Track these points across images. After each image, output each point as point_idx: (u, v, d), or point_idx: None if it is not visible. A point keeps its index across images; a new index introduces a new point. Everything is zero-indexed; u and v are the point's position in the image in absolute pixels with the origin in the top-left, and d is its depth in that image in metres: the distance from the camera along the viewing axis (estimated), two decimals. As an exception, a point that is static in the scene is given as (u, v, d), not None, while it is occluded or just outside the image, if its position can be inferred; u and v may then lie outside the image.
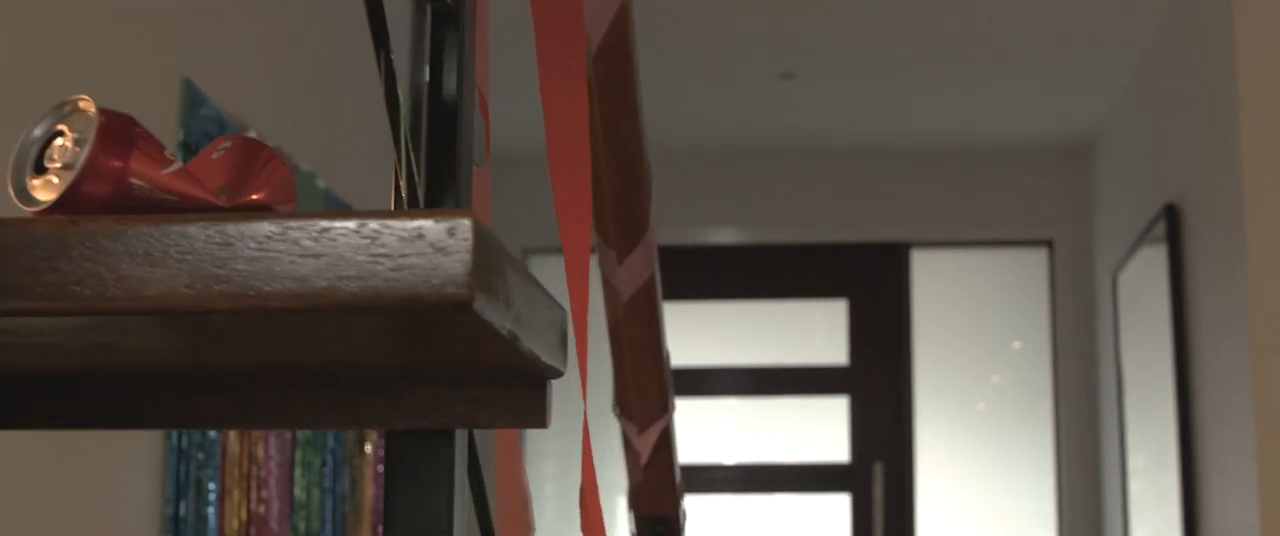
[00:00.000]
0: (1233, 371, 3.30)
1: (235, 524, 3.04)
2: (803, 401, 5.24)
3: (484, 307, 0.67)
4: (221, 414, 0.87)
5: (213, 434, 2.96)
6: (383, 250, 0.66)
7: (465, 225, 0.66)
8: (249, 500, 3.11)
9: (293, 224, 0.67)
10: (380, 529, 3.76)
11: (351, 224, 0.67)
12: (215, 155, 0.76)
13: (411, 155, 0.88)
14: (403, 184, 0.89)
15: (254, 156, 0.76)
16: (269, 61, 3.36)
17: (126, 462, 2.71)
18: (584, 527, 1.26)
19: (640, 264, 1.64)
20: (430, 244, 0.66)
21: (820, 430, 5.22)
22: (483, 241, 0.67)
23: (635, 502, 1.85)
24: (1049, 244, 5.19)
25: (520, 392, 0.87)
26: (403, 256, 0.66)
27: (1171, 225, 3.82)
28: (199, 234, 0.67)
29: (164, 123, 2.81)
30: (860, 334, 5.25)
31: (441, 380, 0.87)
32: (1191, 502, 3.67)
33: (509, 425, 0.87)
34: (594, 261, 1.73)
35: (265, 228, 0.67)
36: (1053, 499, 5.08)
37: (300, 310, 0.67)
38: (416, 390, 0.87)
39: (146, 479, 2.77)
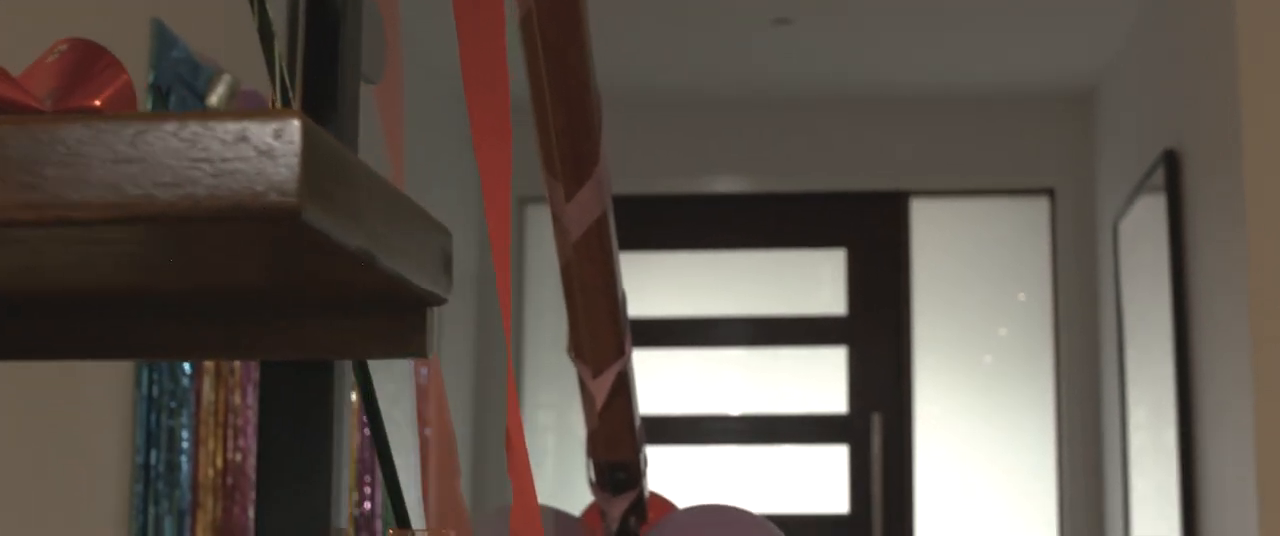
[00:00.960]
0: (1231, 323, 3.23)
1: (210, 472, 2.99)
2: (801, 352, 5.18)
3: (316, 218, 0.61)
4: (73, 342, 0.81)
5: (185, 381, 2.91)
6: (203, 154, 0.60)
7: (294, 126, 0.60)
8: (225, 448, 3.06)
9: (106, 127, 0.61)
10: (366, 478, 3.72)
11: (170, 126, 0.61)
12: (49, 59, 0.70)
13: (284, 69, 0.82)
14: (277, 97, 0.83)
15: (92, 61, 0.70)
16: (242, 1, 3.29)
17: (94, 411, 2.66)
18: (511, 469, 1.21)
19: (590, 201, 1.58)
20: (255, 147, 0.60)
21: (818, 381, 5.16)
22: (316, 145, 0.61)
23: (593, 448, 1.79)
24: (1050, 193, 5.11)
25: (401, 321, 0.81)
26: (225, 161, 0.60)
27: (1171, 171, 3.74)
28: (6, 137, 0.61)
29: (133, 65, 2.75)
30: (858, 284, 5.18)
31: (316, 308, 0.81)
32: (1189, 456, 3.61)
33: (388, 355, 0.81)
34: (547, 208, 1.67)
35: (77, 131, 0.61)
36: (1053, 452, 5.02)
37: (115, 221, 0.61)
38: (289, 319, 0.81)
39: (115, 427, 2.72)
